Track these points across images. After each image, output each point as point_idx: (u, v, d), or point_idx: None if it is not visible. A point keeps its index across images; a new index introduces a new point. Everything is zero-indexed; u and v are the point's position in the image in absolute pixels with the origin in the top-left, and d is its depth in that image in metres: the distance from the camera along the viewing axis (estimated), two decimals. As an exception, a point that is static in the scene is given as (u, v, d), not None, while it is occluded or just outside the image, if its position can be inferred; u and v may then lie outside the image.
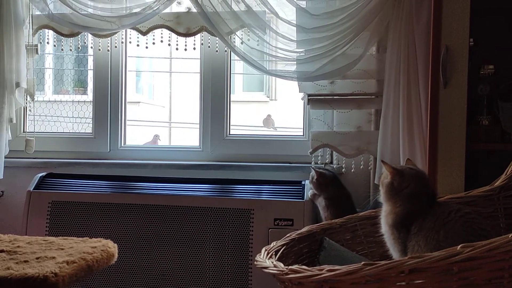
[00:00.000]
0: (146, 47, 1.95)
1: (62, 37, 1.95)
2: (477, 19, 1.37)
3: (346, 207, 1.60)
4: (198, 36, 1.91)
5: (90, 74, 2.57)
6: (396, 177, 1.15)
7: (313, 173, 1.66)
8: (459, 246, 0.82)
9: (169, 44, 1.92)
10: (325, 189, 1.63)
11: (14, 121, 1.96)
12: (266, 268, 1.03)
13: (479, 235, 1.02)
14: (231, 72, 2.02)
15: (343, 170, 1.83)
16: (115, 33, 1.92)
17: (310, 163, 1.83)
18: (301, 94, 1.83)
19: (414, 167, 1.22)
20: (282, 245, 1.20)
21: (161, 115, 5.77)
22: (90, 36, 1.98)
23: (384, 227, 1.18)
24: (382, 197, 1.19)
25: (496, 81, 1.50)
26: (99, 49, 2.01)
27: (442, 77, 1.37)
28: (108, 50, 2.01)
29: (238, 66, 4.92)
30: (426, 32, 1.51)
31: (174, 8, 1.86)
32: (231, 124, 2.03)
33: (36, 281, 1.02)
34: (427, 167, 1.41)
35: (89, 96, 2.78)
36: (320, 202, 1.67)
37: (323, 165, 1.84)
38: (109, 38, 1.97)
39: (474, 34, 1.38)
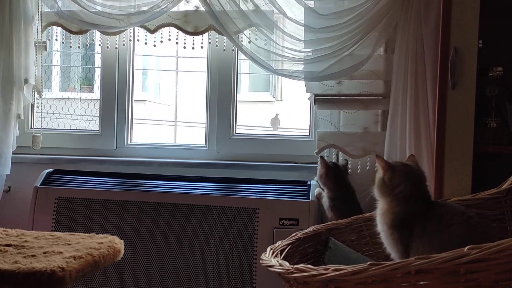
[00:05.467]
0: (154, 45, 1.96)
1: (70, 34, 1.96)
2: (486, 21, 1.37)
3: (351, 210, 1.59)
4: (205, 35, 1.92)
5: (97, 72, 2.59)
6: (387, 173, 1.14)
7: (319, 163, 1.67)
8: (466, 248, 0.81)
9: (176, 43, 1.92)
10: (328, 181, 1.64)
11: (22, 117, 1.97)
12: (271, 266, 1.03)
13: (484, 239, 1.02)
14: (238, 72, 2.02)
15: (349, 171, 1.82)
16: (123, 31, 1.93)
17: (316, 163, 1.83)
18: (307, 95, 1.83)
19: (409, 164, 1.21)
20: (288, 245, 1.20)
21: (167, 114, 5.78)
22: (98, 33, 1.99)
23: (382, 227, 1.18)
24: (374, 192, 1.19)
25: (504, 83, 1.49)
26: (107, 47, 2.02)
27: (450, 79, 1.37)
28: (116, 48, 2.02)
29: (244, 66, 4.92)
30: (435, 33, 1.51)
31: (183, 6, 1.87)
32: (237, 123, 2.03)
33: (44, 275, 1.02)
34: (433, 169, 1.41)
35: (96, 94, 2.80)
36: (325, 202, 1.67)
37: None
38: (117, 36, 1.98)
39: (483, 36, 1.38)
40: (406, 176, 1.14)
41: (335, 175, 1.66)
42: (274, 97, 5.86)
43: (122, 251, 1.34)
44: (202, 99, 2.04)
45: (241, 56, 1.95)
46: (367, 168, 1.79)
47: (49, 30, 2.02)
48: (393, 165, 1.16)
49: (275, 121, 4.43)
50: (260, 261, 1.09)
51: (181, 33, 1.89)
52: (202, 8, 1.81)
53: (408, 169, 1.17)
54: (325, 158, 1.74)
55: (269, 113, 4.77)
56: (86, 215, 1.77)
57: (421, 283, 0.85)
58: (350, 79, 1.74)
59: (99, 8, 1.83)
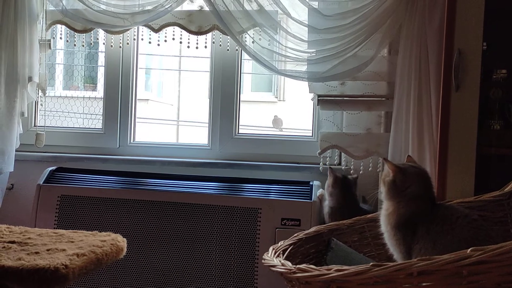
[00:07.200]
0: (158, 45, 1.96)
1: (75, 33, 1.97)
2: (491, 23, 1.37)
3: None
4: (209, 35, 1.92)
5: (101, 71, 2.59)
6: (398, 175, 1.14)
7: (329, 175, 1.65)
8: (469, 250, 0.81)
9: (180, 42, 1.93)
10: (334, 191, 1.62)
11: (26, 115, 1.98)
12: (273, 266, 1.03)
13: (488, 242, 1.02)
14: (241, 72, 2.03)
15: (351, 171, 1.82)
16: (128, 30, 1.93)
17: (319, 164, 1.83)
18: (310, 95, 1.83)
19: (415, 165, 1.21)
20: (290, 245, 1.20)
21: (170, 113, 5.79)
22: (102, 32, 2.00)
23: (385, 227, 1.18)
24: (383, 195, 1.19)
25: (508, 86, 1.49)
26: (111, 46, 2.03)
27: (454, 81, 1.37)
28: (120, 47, 2.03)
29: (247, 66, 4.92)
30: (439, 35, 1.51)
31: (187, 6, 1.87)
32: (240, 123, 2.04)
33: (47, 272, 1.03)
34: (436, 170, 1.41)
35: (99, 93, 2.81)
36: (325, 207, 1.66)
37: (334, 164, 1.85)
38: (121, 35, 1.98)
39: (488, 38, 1.38)
40: (417, 177, 1.15)
41: (343, 187, 1.62)
42: (277, 98, 5.85)
43: (125, 249, 1.35)
44: (205, 98, 2.04)
45: (245, 56, 1.95)
46: (370, 169, 1.79)
47: (54, 29, 2.02)
48: (403, 167, 1.16)
49: (275, 122, 4.43)
50: (262, 261, 1.09)
51: (185, 33, 1.90)
52: (206, 8, 1.81)
53: (417, 170, 1.17)
54: (327, 159, 1.74)
55: (272, 114, 4.76)
56: (89, 213, 1.78)
57: (424, 284, 0.85)
58: (354, 80, 1.74)
59: (103, 7, 1.84)
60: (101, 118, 2.11)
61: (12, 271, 1.05)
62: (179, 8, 1.84)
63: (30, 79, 1.92)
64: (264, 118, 4.63)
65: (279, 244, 1.19)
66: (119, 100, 2.07)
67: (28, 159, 2.04)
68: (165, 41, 1.94)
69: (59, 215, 1.80)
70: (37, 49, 1.94)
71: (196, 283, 1.69)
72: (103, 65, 2.10)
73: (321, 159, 1.82)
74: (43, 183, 1.84)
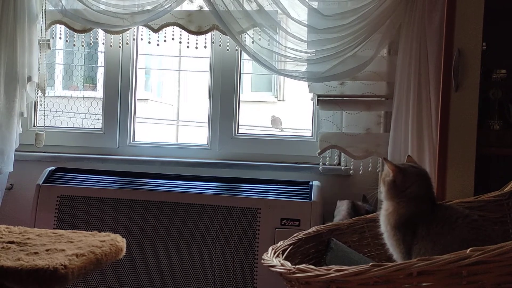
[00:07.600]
0: (158, 45, 1.97)
1: (74, 33, 1.97)
2: (490, 23, 1.37)
3: None
4: (209, 35, 1.92)
5: (100, 71, 2.60)
6: (398, 175, 1.14)
7: (349, 205, 1.64)
8: (469, 250, 0.81)
9: (180, 42, 1.93)
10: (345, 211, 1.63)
11: (25, 115, 1.98)
12: (273, 266, 1.03)
13: (488, 242, 1.01)
14: (241, 72, 2.03)
15: (351, 172, 1.83)
16: (127, 29, 1.93)
17: (318, 164, 1.83)
18: (310, 95, 1.83)
19: (416, 165, 1.21)
20: (289, 245, 1.20)
21: (169, 113, 5.79)
22: (101, 32, 2.00)
23: (385, 227, 1.18)
24: (383, 195, 1.19)
25: (508, 86, 1.49)
26: (111, 46, 2.03)
27: (453, 81, 1.37)
28: (119, 47, 2.02)
29: (247, 66, 4.92)
30: (438, 35, 1.51)
31: (186, 6, 1.87)
32: (239, 123, 2.04)
33: (46, 272, 1.03)
34: (436, 171, 1.40)
35: (99, 93, 2.80)
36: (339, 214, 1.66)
37: (334, 164, 1.83)
38: (120, 35, 1.98)
39: (487, 38, 1.37)
40: (417, 177, 1.15)
41: (353, 207, 1.64)
42: (277, 98, 5.85)
43: (124, 250, 1.35)
44: (204, 98, 2.04)
45: (244, 56, 1.95)
46: (369, 169, 1.79)
47: (53, 28, 2.02)
48: (403, 167, 1.16)
49: (273, 122, 4.43)
50: (262, 261, 1.09)
51: (184, 33, 1.90)
52: (205, 8, 1.81)
53: (417, 170, 1.17)
54: (326, 160, 1.71)
55: (272, 114, 4.76)
56: (88, 213, 1.78)
57: (424, 284, 0.84)
58: (353, 80, 1.74)
59: (103, 6, 1.84)
60: (101, 118, 2.11)
61: (11, 271, 1.05)
62: (178, 8, 1.84)
63: (29, 79, 1.92)
64: (264, 118, 4.63)
65: (279, 244, 1.19)
66: (118, 100, 2.07)
67: (27, 159, 2.04)
68: (165, 41, 1.94)
69: (59, 215, 1.79)
70: (36, 49, 1.94)
71: (196, 283, 1.69)
72: (103, 65, 2.10)
73: (321, 159, 1.82)
74: (43, 183, 1.84)
